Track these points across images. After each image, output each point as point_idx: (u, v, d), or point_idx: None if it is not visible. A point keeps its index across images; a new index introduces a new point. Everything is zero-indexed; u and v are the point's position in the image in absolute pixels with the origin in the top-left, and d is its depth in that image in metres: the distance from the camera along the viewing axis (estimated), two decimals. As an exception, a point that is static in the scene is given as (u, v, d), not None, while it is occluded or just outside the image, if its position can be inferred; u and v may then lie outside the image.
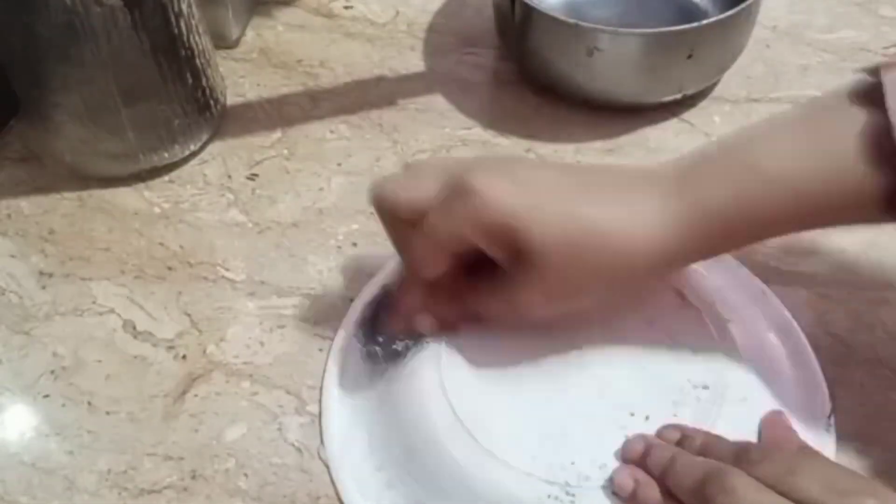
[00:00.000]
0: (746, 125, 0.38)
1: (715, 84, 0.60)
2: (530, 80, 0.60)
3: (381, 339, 0.43)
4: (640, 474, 0.36)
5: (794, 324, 0.45)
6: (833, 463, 0.35)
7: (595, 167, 0.41)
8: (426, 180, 0.39)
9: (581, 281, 0.38)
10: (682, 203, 0.37)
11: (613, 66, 0.54)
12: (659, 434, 0.38)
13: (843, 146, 0.35)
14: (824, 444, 0.40)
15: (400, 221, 0.40)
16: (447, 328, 0.42)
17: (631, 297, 0.43)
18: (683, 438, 0.37)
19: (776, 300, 0.46)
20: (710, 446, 0.36)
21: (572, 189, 0.38)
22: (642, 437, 0.38)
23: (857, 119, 0.35)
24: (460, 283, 0.41)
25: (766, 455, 0.34)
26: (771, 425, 0.39)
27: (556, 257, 0.36)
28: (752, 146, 0.37)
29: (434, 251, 0.39)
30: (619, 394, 0.40)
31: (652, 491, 0.36)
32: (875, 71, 0.35)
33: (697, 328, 0.42)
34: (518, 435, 0.39)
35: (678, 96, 0.57)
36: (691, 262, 0.41)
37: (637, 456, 0.37)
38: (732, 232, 0.37)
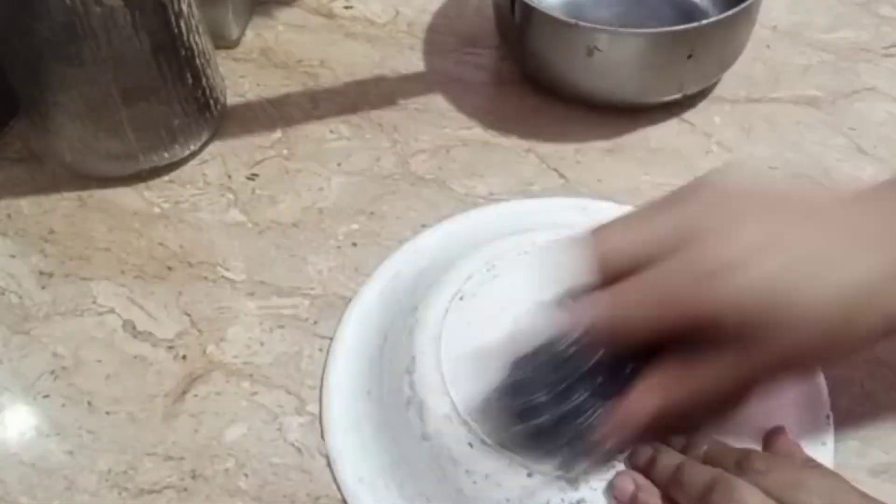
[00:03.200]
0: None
1: (715, 84, 0.60)
2: (531, 79, 0.60)
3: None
4: (642, 480, 0.36)
5: None
6: (839, 478, 0.34)
7: (839, 204, 0.33)
8: (652, 224, 0.32)
9: (823, 350, 0.33)
10: None
11: (613, 66, 0.54)
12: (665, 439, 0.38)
13: None
14: (824, 438, 0.40)
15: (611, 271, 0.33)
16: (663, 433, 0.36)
17: None
18: (689, 444, 0.37)
19: None
20: (714, 452, 0.36)
21: (835, 245, 0.32)
22: (629, 476, 0.36)
23: None
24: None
25: (771, 466, 0.33)
26: (774, 440, 0.39)
27: (805, 328, 0.31)
28: None
29: (645, 307, 0.32)
30: None
31: (652, 497, 0.35)
32: None
33: None
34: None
35: (678, 96, 0.57)
36: None
37: (644, 462, 0.37)
38: None
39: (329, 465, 0.41)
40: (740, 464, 0.34)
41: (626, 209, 0.37)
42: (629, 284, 0.32)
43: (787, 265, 0.31)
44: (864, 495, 0.33)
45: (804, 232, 0.32)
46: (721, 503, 0.32)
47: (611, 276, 0.33)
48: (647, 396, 0.33)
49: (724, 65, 0.58)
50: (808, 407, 0.41)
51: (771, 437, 0.39)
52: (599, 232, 0.34)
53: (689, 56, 0.53)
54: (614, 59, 0.54)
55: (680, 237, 0.31)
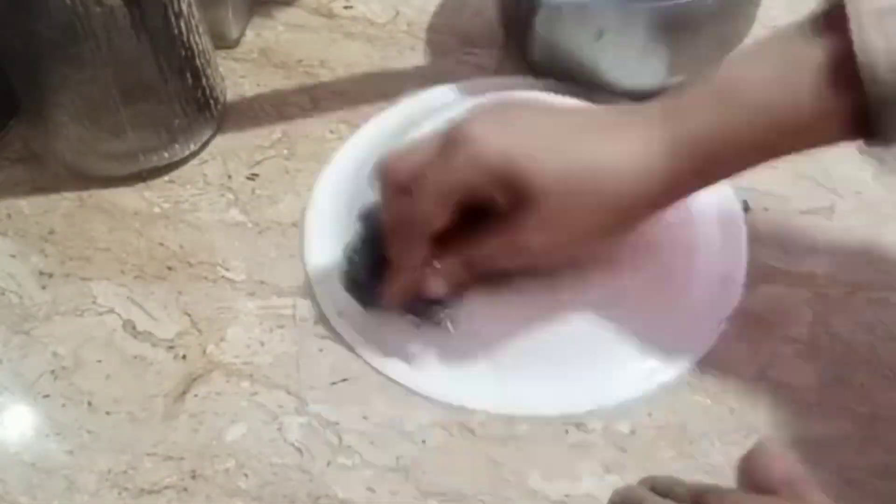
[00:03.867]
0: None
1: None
2: (538, 70, 0.60)
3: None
4: None
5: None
6: None
7: (585, 108, 0.44)
8: (423, 145, 0.41)
9: (578, 217, 0.40)
10: (668, 134, 0.39)
11: (623, 48, 0.54)
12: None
13: (808, 73, 0.37)
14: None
15: (398, 188, 0.41)
16: (456, 290, 0.44)
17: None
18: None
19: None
20: (665, 488, 0.34)
21: (564, 130, 0.41)
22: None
23: (821, 45, 0.37)
24: (458, 238, 0.42)
25: (722, 499, 0.32)
26: (757, 454, 0.38)
27: (553, 196, 0.39)
28: (730, 76, 0.39)
29: (436, 202, 0.40)
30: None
31: None
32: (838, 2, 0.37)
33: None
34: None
35: (687, 75, 0.57)
36: (680, 196, 0.42)
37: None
38: (717, 160, 0.39)
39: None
40: (695, 499, 0.34)
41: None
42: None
43: (522, 138, 0.40)
44: None
45: (537, 120, 0.41)
46: None
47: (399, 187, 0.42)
48: (412, 250, 0.42)
49: (737, 40, 0.57)
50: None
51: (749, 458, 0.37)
52: (388, 159, 0.42)
53: (696, 31, 0.54)
54: (623, 41, 0.54)
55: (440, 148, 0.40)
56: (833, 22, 0.37)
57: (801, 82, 0.37)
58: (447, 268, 0.43)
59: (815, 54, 0.37)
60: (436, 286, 0.43)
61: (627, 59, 0.55)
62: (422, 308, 0.44)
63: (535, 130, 0.40)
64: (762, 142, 0.39)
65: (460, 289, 0.44)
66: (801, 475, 0.33)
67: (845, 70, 0.36)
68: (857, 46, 0.35)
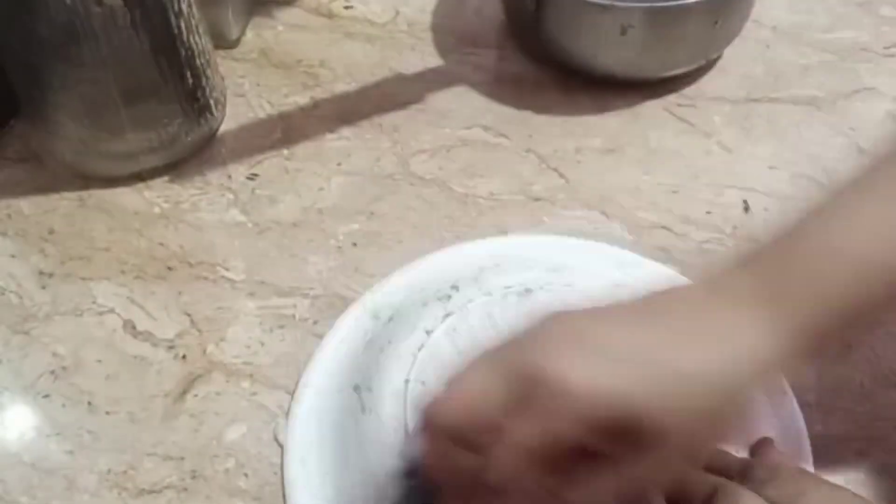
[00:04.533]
0: (818, 206, 0.34)
1: (715, 83, 0.60)
2: (547, 65, 0.60)
3: None
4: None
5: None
6: (839, 488, 0.34)
7: (657, 300, 0.34)
8: (485, 386, 0.32)
9: (703, 441, 0.33)
10: (777, 321, 0.32)
11: (645, 42, 0.56)
12: None
13: None
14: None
15: (464, 443, 0.33)
16: None
17: None
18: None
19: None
20: (716, 460, 0.36)
21: (659, 344, 0.32)
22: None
23: None
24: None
25: (773, 475, 0.33)
26: (763, 451, 0.38)
27: (676, 432, 0.31)
28: (832, 229, 0.33)
29: (521, 460, 0.31)
30: None
31: (656, 499, 0.35)
32: None
33: None
34: None
35: (703, 62, 0.59)
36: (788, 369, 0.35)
37: None
38: (830, 334, 0.33)
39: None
40: (743, 473, 0.34)
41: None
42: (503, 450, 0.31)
43: (620, 367, 0.31)
44: (867, 503, 0.33)
45: (621, 335, 0.32)
46: None
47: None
48: None
49: (741, 27, 0.59)
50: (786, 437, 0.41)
51: (759, 449, 0.39)
52: (444, 409, 0.33)
53: (716, 23, 0.55)
54: (647, 35, 0.55)
55: (519, 386, 0.31)
56: None
57: None
58: None
59: None
60: None
61: (650, 50, 0.56)
62: None
63: (627, 352, 0.31)
64: (880, 301, 0.33)
65: None
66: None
67: None
68: None
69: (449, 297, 0.45)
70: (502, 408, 0.31)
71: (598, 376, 0.30)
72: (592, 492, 0.32)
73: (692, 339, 0.32)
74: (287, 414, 0.43)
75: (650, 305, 0.33)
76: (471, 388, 0.32)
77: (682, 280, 0.39)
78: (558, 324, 0.32)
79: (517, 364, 0.31)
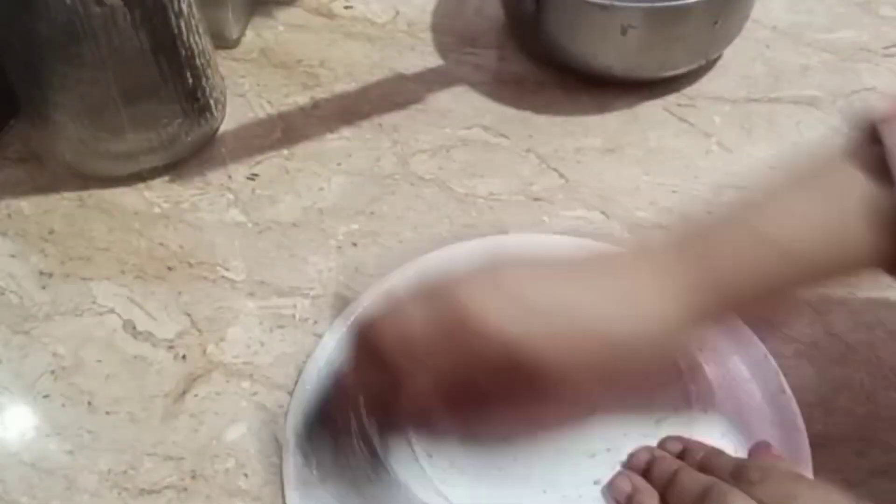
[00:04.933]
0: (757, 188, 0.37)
1: (715, 83, 0.60)
2: (547, 65, 0.60)
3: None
4: (640, 481, 0.37)
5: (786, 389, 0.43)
6: (832, 489, 0.34)
7: (586, 259, 0.37)
8: (410, 310, 0.36)
9: (594, 386, 0.36)
10: (689, 282, 0.35)
11: (645, 42, 0.56)
12: (661, 444, 0.39)
13: (849, 215, 0.35)
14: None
15: (382, 362, 0.36)
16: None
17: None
18: (685, 451, 0.38)
19: (773, 365, 0.44)
20: (710, 460, 0.36)
21: (576, 300, 0.35)
22: (648, 448, 0.38)
23: (861, 186, 0.35)
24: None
25: (765, 475, 0.34)
26: (758, 454, 0.39)
27: (569, 374, 0.35)
28: (760, 216, 0.36)
29: (431, 386, 0.36)
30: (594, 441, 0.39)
31: (649, 499, 0.36)
32: (869, 128, 0.36)
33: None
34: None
35: (703, 62, 0.59)
36: (696, 335, 0.39)
37: (641, 466, 0.37)
38: (741, 303, 0.36)
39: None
40: (735, 473, 0.35)
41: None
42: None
43: (527, 312, 0.35)
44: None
45: (538, 287, 0.36)
46: None
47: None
48: None
49: (741, 26, 0.59)
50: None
51: (756, 452, 0.39)
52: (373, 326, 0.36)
53: (716, 23, 0.55)
54: (648, 35, 0.55)
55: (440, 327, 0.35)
56: (872, 162, 0.35)
57: (840, 226, 0.35)
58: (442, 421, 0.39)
59: (852, 196, 0.35)
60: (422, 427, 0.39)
61: (651, 50, 0.56)
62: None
63: (545, 304, 0.35)
64: (792, 282, 0.36)
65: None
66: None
67: (886, 212, 0.34)
68: None
69: None
70: (427, 339, 0.35)
71: (511, 323, 0.34)
72: (481, 415, 0.38)
73: (608, 299, 0.35)
74: (286, 413, 0.43)
75: (583, 266, 0.37)
76: (404, 316, 0.36)
77: None
78: (494, 272, 0.36)
79: (449, 301, 0.35)
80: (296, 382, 0.44)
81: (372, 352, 0.36)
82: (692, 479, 0.35)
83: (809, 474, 0.39)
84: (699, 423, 0.40)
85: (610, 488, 0.37)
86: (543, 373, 0.34)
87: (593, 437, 0.39)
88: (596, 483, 0.38)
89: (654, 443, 0.39)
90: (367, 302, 0.46)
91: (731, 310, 0.37)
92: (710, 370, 0.42)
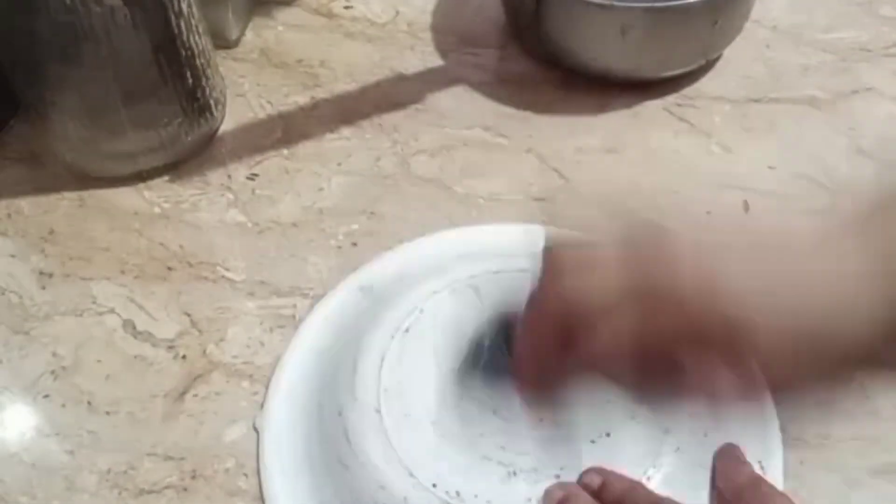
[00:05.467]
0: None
1: (715, 83, 0.60)
2: (547, 65, 0.60)
3: None
4: (573, 487, 0.36)
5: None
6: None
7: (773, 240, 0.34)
8: (608, 264, 0.33)
9: (796, 370, 0.33)
10: (881, 270, 0.31)
11: (645, 42, 0.56)
12: (581, 479, 0.36)
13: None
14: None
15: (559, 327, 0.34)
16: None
17: None
18: (604, 485, 0.36)
19: None
20: (628, 496, 0.35)
21: (773, 278, 0.32)
22: (561, 485, 0.36)
23: None
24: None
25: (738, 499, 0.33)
26: (723, 457, 0.38)
27: (772, 354, 0.31)
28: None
29: (617, 347, 0.32)
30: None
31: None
32: None
33: None
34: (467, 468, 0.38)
35: (703, 62, 0.59)
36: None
37: (596, 485, 0.36)
38: None
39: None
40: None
41: None
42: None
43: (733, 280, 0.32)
44: None
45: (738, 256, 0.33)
46: None
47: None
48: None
49: (740, 27, 0.59)
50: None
51: (721, 452, 0.38)
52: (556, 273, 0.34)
53: (716, 23, 0.55)
54: (647, 36, 0.55)
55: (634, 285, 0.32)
56: None
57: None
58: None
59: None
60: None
61: (650, 51, 0.56)
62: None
63: (739, 275, 0.32)
64: None
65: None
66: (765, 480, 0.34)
67: None
68: None
69: (432, 279, 0.44)
70: (613, 300, 0.32)
71: (710, 286, 0.31)
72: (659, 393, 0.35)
73: (802, 282, 0.32)
74: (263, 403, 0.43)
75: (782, 245, 0.33)
76: (593, 259, 0.33)
77: None
78: (682, 243, 0.33)
79: (644, 263, 0.32)
80: (273, 370, 0.44)
81: (548, 318, 0.34)
82: (644, 496, 0.34)
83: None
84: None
85: (544, 498, 0.36)
86: (735, 352, 0.32)
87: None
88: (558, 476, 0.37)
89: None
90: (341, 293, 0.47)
91: None
92: None
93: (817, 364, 0.32)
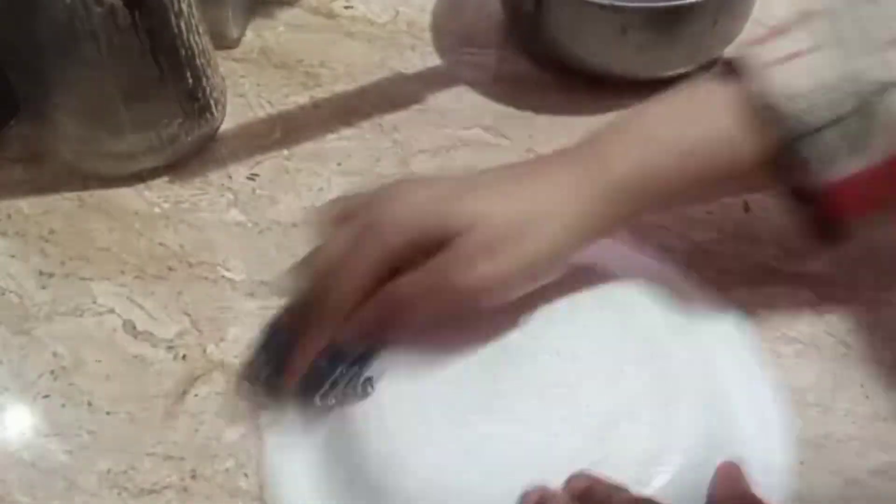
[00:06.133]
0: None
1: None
2: (547, 65, 0.60)
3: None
4: (549, 491, 0.36)
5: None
6: None
7: (513, 163, 0.43)
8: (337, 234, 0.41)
9: (509, 254, 0.38)
10: (596, 179, 0.40)
11: (645, 42, 0.56)
12: (567, 483, 0.37)
13: (718, 114, 0.39)
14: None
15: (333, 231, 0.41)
16: (373, 336, 0.40)
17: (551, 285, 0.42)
18: (588, 489, 0.36)
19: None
20: (613, 498, 0.35)
21: (500, 179, 0.41)
22: (540, 489, 0.36)
23: (727, 90, 0.39)
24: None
25: None
26: (724, 475, 0.38)
27: (482, 229, 0.38)
28: (645, 119, 0.41)
29: (364, 269, 0.39)
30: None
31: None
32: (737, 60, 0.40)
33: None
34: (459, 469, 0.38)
35: (702, 62, 0.59)
36: (604, 235, 0.41)
37: (580, 490, 0.36)
38: (637, 200, 0.40)
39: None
40: None
41: None
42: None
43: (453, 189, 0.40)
44: None
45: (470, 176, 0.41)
46: None
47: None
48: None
49: (741, 27, 0.59)
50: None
51: (721, 470, 0.38)
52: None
53: (715, 23, 0.55)
54: (646, 36, 0.55)
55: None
56: (735, 69, 0.39)
57: (712, 122, 0.39)
58: (362, 314, 0.39)
59: (722, 96, 0.39)
60: (349, 333, 0.40)
61: (650, 51, 0.56)
62: (340, 373, 0.40)
63: (454, 186, 0.40)
64: (679, 183, 0.40)
65: (376, 338, 0.41)
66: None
67: (747, 111, 0.38)
68: (756, 88, 0.38)
69: None
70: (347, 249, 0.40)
71: (421, 201, 0.39)
72: (402, 285, 0.39)
73: (524, 180, 0.41)
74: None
75: (505, 166, 0.43)
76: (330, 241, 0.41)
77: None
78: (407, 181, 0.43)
79: (371, 208, 0.41)
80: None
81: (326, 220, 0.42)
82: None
83: None
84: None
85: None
86: (460, 230, 0.38)
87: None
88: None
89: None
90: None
91: (629, 206, 0.40)
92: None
93: (528, 252, 0.39)
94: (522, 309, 0.42)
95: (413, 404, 0.40)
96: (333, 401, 0.40)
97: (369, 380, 0.40)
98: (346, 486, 0.39)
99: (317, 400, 0.40)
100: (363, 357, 0.40)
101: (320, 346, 0.40)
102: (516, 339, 0.41)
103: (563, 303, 0.42)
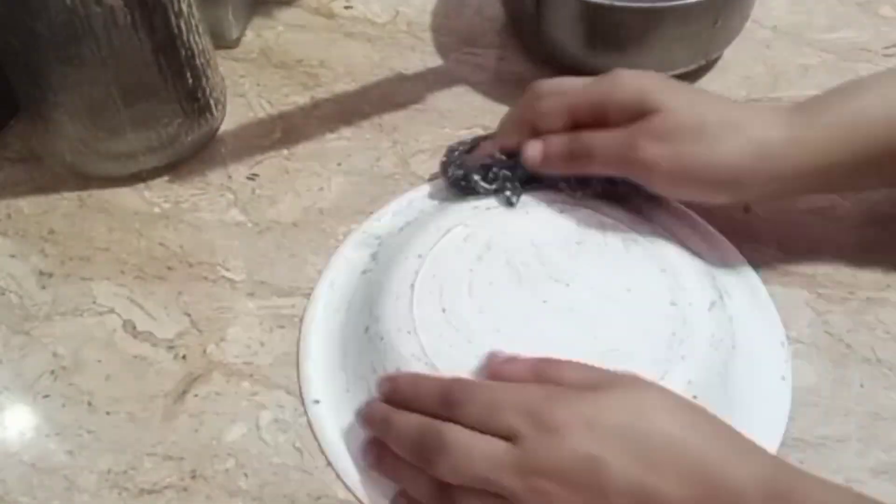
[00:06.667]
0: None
1: (715, 83, 0.60)
2: (547, 65, 0.60)
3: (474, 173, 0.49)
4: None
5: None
6: (546, 387, 0.36)
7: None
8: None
9: (696, 153, 0.42)
10: (791, 118, 0.43)
11: (645, 42, 0.56)
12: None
13: None
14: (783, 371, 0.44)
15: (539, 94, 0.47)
16: (551, 165, 0.46)
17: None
18: (393, 389, 0.39)
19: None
20: (419, 391, 0.38)
21: (703, 93, 0.46)
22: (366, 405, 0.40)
23: None
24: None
25: (469, 395, 0.35)
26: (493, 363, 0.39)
27: (681, 116, 0.42)
28: (855, 112, 0.43)
29: (562, 107, 0.45)
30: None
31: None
32: None
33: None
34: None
35: (703, 62, 0.59)
36: (784, 180, 0.43)
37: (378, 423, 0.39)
38: (832, 152, 0.42)
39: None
40: (442, 400, 0.36)
41: None
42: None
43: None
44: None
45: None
46: (435, 454, 0.34)
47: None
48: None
49: (740, 26, 0.59)
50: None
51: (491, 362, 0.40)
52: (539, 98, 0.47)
53: (716, 23, 0.55)
54: (646, 35, 0.55)
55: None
56: None
57: None
58: (554, 139, 0.46)
59: None
60: (532, 147, 0.46)
61: (650, 50, 0.56)
62: (499, 173, 0.48)
63: (677, 82, 0.45)
64: (890, 146, 0.42)
65: (554, 166, 0.46)
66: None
67: None
68: None
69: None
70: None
71: (643, 78, 0.45)
72: (597, 137, 0.44)
73: (720, 100, 0.45)
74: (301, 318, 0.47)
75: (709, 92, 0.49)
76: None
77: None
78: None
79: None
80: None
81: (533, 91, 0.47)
82: (405, 423, 0.37)
83: None
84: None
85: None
86: (659, 107, 0.42)
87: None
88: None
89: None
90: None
91: (819, 173, 0.42)
92: None
93: (715, 156, 0.42)
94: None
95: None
96: (494, 186, 0.48)
97: (517, 195, 0.47)
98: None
99: (480, 181, 0.48)
100: (523, 180, 0.48)
101: (510, 145, 0.48)
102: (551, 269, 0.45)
103: (595, 240, 0.46)
